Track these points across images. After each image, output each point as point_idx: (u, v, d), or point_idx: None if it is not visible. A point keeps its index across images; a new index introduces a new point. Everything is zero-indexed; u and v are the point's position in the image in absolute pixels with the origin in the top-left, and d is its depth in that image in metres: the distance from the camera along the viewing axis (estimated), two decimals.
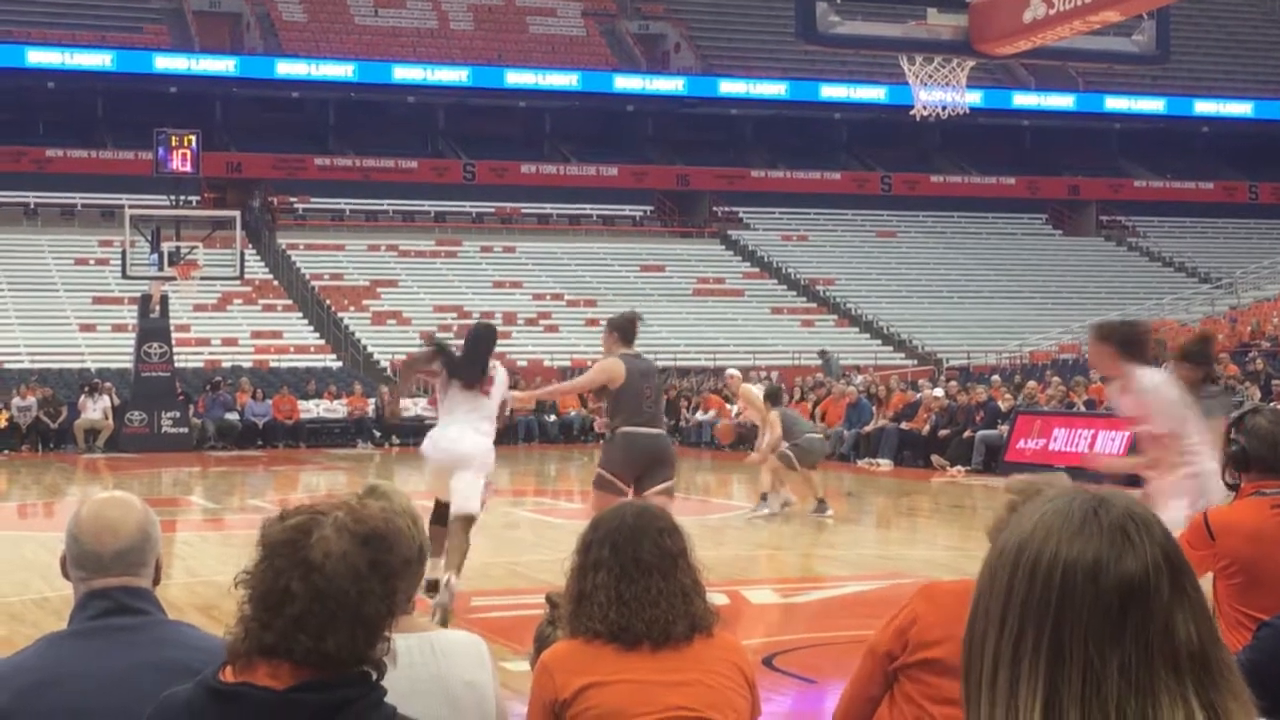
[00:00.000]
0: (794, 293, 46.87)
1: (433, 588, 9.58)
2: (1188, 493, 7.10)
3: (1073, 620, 1.53)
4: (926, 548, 15.38)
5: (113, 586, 3.30)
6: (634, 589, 3.70)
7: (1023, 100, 54.44)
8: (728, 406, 30.37)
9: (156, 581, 3.42)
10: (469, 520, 10.18)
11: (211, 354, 37.61)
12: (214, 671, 2.54)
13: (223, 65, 49.06)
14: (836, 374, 33.63)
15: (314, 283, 43.51)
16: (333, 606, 2.46)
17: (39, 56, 46.96)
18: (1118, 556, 1.54)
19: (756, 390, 18.61)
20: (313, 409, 33.19)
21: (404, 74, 49.85)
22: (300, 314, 42.22)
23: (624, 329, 10.49)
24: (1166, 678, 1.51)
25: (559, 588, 4.71)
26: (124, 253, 31.79)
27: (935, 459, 25.47)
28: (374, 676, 2.53)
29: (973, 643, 1.62)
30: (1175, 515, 6.41)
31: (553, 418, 34.04)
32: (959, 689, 3.51)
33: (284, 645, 2.46)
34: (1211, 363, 9.12)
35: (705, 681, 3.68)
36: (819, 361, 37.52)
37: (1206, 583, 4.91)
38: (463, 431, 10.26)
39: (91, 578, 3.34)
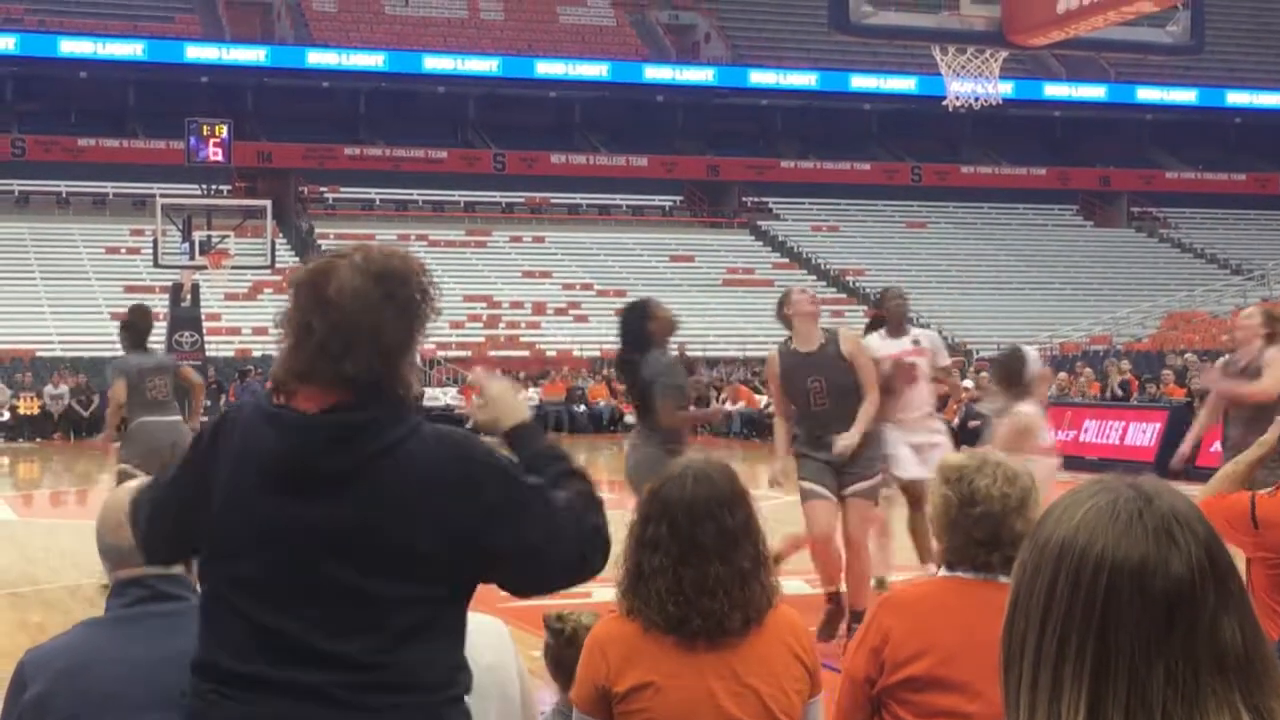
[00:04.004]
0: (824, 283, 46.77)
1: None
2: None
3: (1118, 625, 1.50)
4: None
5: (147, 574, 3.32)
6: (692, 574, 3.53)
7: (1054, 91, 54.23)
8: (756, 397, 30.34)
9: (189, 568, 3.43)
10: None
11: (242, 343, 37.73)
12: (267, 395, 2.88)
13: (254, 55, 49.16)
14: None
15: None
16: (349, 335, 2.75)
17: (71, 46, 47.17)
18: (1164, 560, 1.51)
19: None
20: None
21: (434, 64, 49.91)
22: None
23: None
24: (1213, 682, 1.49)
25: (558, 606, 4.58)
26: (155, 242, 31.91)
27: None
28: (405, 404, 2.81)
29: (1011, 643, 1.58)
30: None
31: (582, 408, 34.04)
32: (949, 700, 3.47)
33: (310, 370, 2.77)
34: None
35: (760, 689, 3.56)
36: None
37: (1239, 563, 4.84)
38: None
39: (116, 569, 3.37)
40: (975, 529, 3.60)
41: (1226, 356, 9.46)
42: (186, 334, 31.08)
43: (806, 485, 8.97)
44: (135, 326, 11.31)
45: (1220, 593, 1.52)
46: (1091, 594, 1.51)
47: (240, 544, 2.80)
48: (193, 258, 31.20)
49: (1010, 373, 8.65)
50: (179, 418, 11.27)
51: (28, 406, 31.81)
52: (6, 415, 31.73)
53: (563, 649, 4.21)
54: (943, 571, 3.72)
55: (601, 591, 9.72)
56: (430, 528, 2.74)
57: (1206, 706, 1.48)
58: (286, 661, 2.73)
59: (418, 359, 2.90)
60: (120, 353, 11.43)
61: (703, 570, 3.53)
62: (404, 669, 2.74)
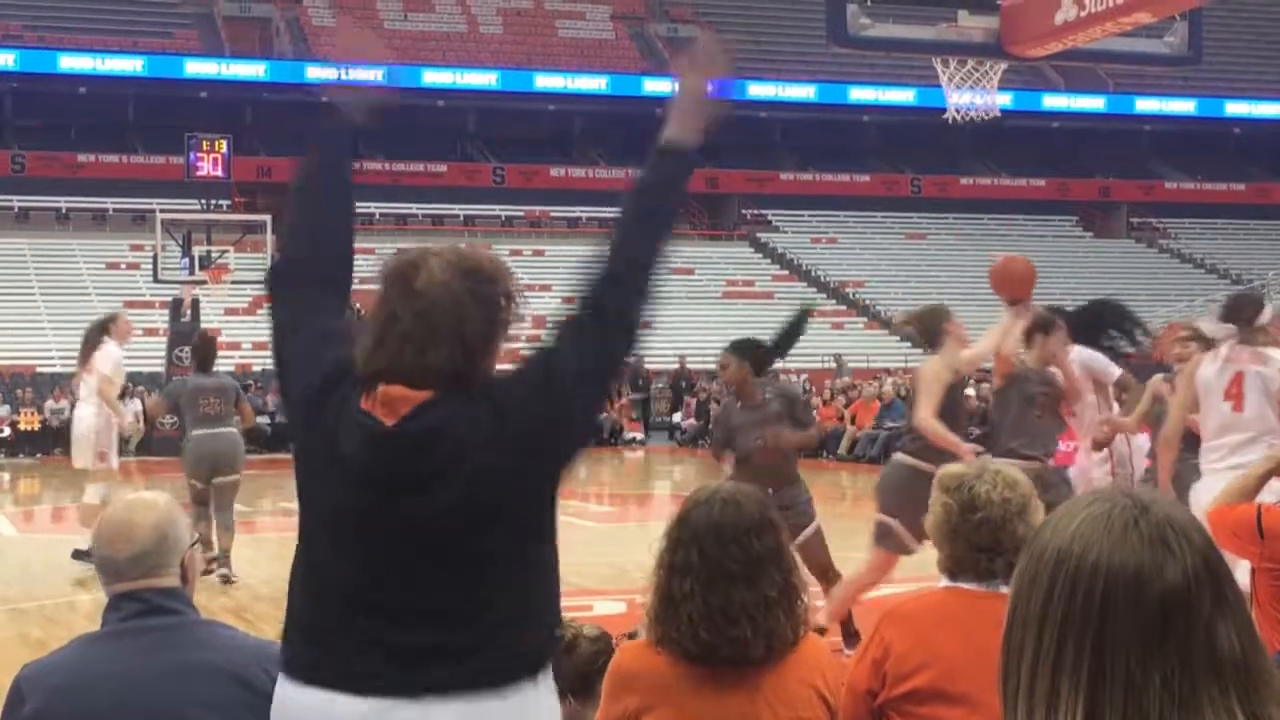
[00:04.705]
0: (823, 295, 46.76)
1: None
2: None
3: (1114, 633, 1.51)
4: None
5: (140, 588, 3.30)
6: (719, 600, 3.48)
7: (1053, 102, 54.28)
8: None
9: (186, 581, 3.41)
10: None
11: (242, 358, 37.68)
12: (356, 393, 2.91)
13: (253, 70, 49.23)
14: (848, 376, 33.61)
15: None
16: (434, 326, 2.85)
17: (71, 62, 47.22)
18: (1159, 567, 1.52)
19: None
20: None
21: (433, 78, 49.94)
22: None
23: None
24: (1209, 689, 1.49)
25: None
26: (155, 257, 31.91)
27: None
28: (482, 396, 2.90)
29: (1009, 652, 1.59)
30: None
31: None
32: (951, 712, 3.46)
33: (393, 367, 2.85)
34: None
35: None
36: (832, 365, 37.45)
37: (1243, 571, 4.81)
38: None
39: (112, 582, 3.35)
40: (976, 536, 3.59)
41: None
42: (186, 349, 31.07)
43: (900, 532, 8.47)
44: (199, 352, 13.41)
45: (1216, 600, 1.52)
46: (1087, 602, 1.52)
47: (330, 521, 2.89)
48: (193, 273, 31.20)
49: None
50: (231, 429, 12.72)
51: (28, 422, 31.82)
52: (7, 431, 31.72)
53: (562, 657, 4.21)
54: (945, 582, 3.71)
55: (604, 604, 9.73)
56: (512, 463, 2.84)
57: (1204, 713, 1.48)
58: (374, 616, 2.79)
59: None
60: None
61: (727, 595, 3.49)
62: (500, 614, 2.81)
